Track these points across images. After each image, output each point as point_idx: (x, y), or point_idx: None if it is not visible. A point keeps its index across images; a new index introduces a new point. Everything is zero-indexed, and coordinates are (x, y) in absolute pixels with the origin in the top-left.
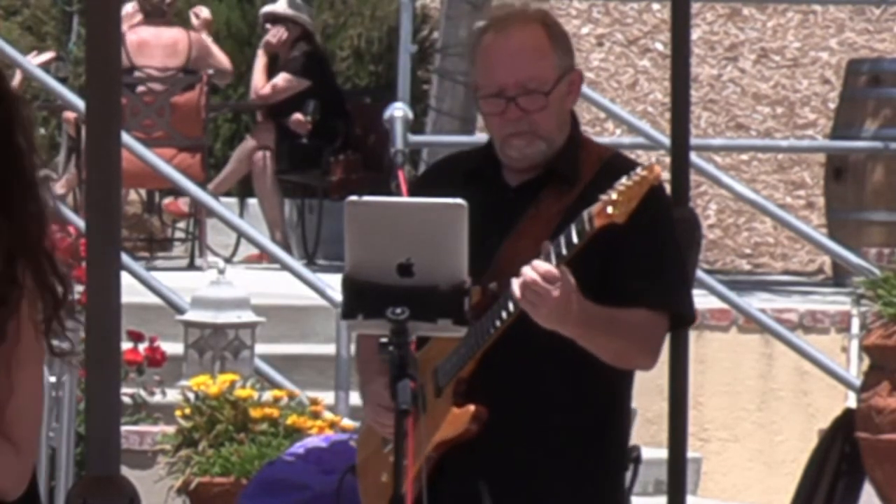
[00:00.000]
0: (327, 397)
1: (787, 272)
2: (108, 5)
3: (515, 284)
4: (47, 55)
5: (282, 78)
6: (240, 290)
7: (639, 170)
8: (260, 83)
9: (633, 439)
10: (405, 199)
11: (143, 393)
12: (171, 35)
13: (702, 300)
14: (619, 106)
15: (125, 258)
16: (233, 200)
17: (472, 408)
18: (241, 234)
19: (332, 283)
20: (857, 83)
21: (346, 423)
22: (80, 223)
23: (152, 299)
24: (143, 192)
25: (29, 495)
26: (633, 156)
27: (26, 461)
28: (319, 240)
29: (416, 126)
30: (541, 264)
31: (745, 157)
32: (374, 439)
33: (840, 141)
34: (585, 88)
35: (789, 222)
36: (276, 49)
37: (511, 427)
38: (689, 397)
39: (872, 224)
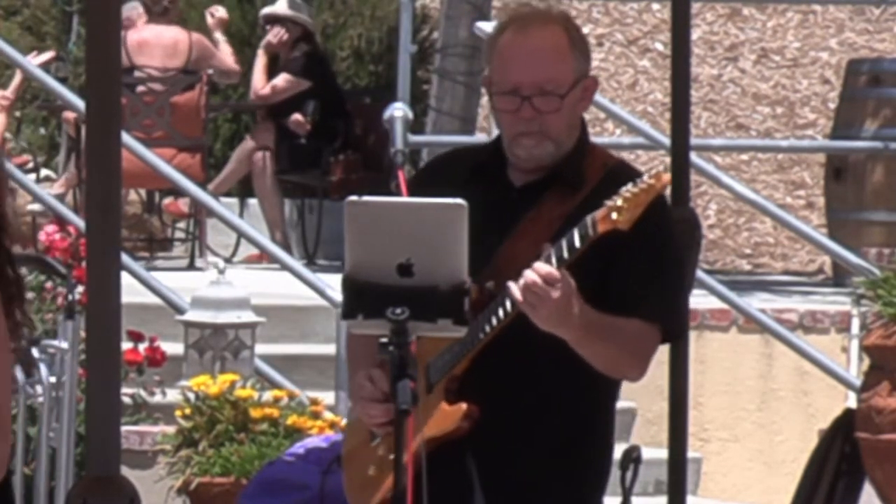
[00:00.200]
0: (327, 397)
1: (787, 272)
2: (108, 5)
3: (514, 286)
4: (47, 55)
5: (282, 78)
6: (240, 290)
7: (646, 177)
8: (260, 83)
9: (633, 439)
10: (405, 199)
11: (143, 393)
12: (172, 35)
13: (702, 300)
14: (619, 106)
15: (125, 258)
16: (233, 200)
17: (464, 406)
18: (241, 235)
19: (332, 283)
20: (857, 83)
21: (347, 423)
22: (80, 223)
23: (152, 299)
24: (143, 192)
25: (5, 481)
26: (633, 156)
27: (7, 444)
28: (319, 240)
29: (416, 126)
30: (542, 266)
31: (745, 157)
32: (361, 431)
33: (840, 141)
34: None
35: (789, 222)
36: (277, 49)
37: (501, 426)
38: (689, 397)
39: (872, 224)
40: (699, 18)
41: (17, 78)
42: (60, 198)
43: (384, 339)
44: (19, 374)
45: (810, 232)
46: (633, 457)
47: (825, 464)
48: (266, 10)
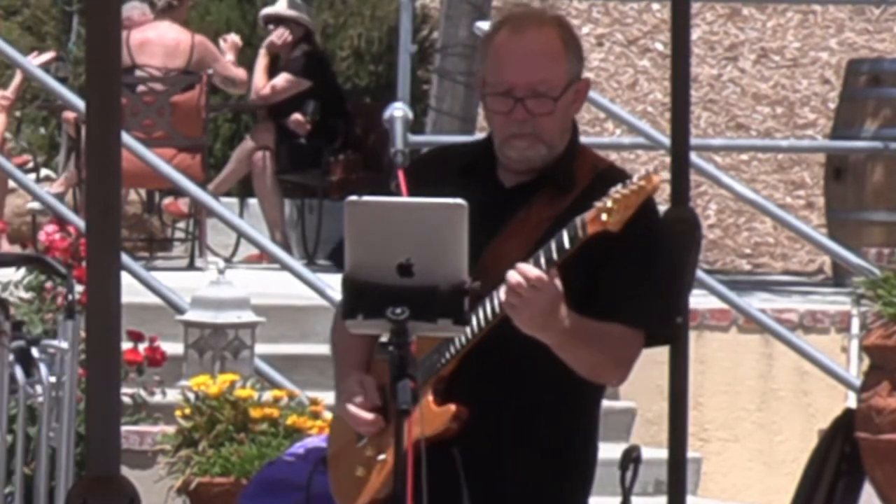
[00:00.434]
0: (327, 397)
1: (787, 272)
2: (108, 5)
3: (501, 288)
4: (47, 55)
5: (282, 78)
6: (240, 290)
7: (636, 178)
8: (260, 83)
9: (633, 439)
10: (405, 199)
11: (143, 393)
12: (175, 36)
13: (702, 300)
14: (619, 106)
15: (125, 258)
16: (233, 200)
17: (452, 407)
18: (241, 234)
19: (332, 283)
20: (857, 83)
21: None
22: (80, 223)
23: (152, 299)
24: (143, 192)
25: None
26: (633, 156)
27: None
28: (319, 240)
29: (416, 126)
30: (529, 269)
31: (745, 157)
32: (347, 432)
33: (840, 141)
34: None
35: (789, 222)
36: (279, 50)
37: (488, 427)
38: (689, 397)
39: (872, 224)
40: (699, 18)
41: (18, 78)
42: (60, 197)
43: (384, 339)
44: (19, 374)
45: (810, 232)
46: (633, 457)
47: (825, 464)
48: (266, 11)
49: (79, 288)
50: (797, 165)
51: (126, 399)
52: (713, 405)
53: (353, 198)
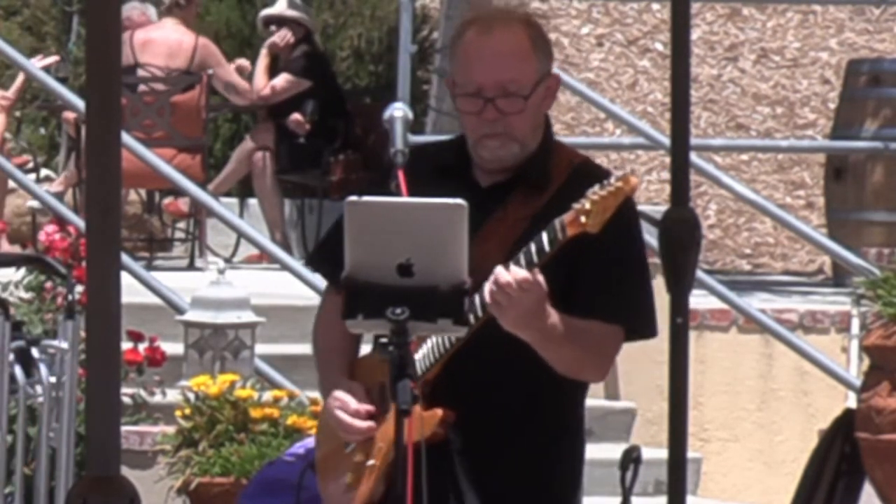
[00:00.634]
0: None
1: (787, 272)
2: (108, 5)
3: (486, 288)
4: (51, 59)
5: (282, 78)
6: (240, 290)
7: (612, 179)
8: (261, 84)
9: (633, 439)
10: (405, 199)
11: (143, 393)
12: (178, 37)
13: (702, 300)
14: (619, 106)
15: (125, 258)
16: (233, 200)
17: (439, 411)
18: (241, 235)
19: None
20: (857, 83)
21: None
22: (80, 223)
23: (152, 299)
24: (143, 192)
25: None
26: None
27: None
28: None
29: (416, 126)
30: (517, 270)
31: (745, 157)
32: (334, 437)
33: (840, 141)
34: (585, 88)
35: (789, 222)
36: (281, 51)
37: (474, 430)
38: (689, 397)
39: (872, 224)
40: (699, 18)
41: (20, 79)
42: (59, 196)
43: (384, 339)
44: (19, 374)
45: (810, 232)
46: (633, 457)
47: (825, 464)
48: (266, 12)
49: (79, 288)
50: (797, 165)
51: (126, 399)
52: (713, 405)
53: (353, 198)
